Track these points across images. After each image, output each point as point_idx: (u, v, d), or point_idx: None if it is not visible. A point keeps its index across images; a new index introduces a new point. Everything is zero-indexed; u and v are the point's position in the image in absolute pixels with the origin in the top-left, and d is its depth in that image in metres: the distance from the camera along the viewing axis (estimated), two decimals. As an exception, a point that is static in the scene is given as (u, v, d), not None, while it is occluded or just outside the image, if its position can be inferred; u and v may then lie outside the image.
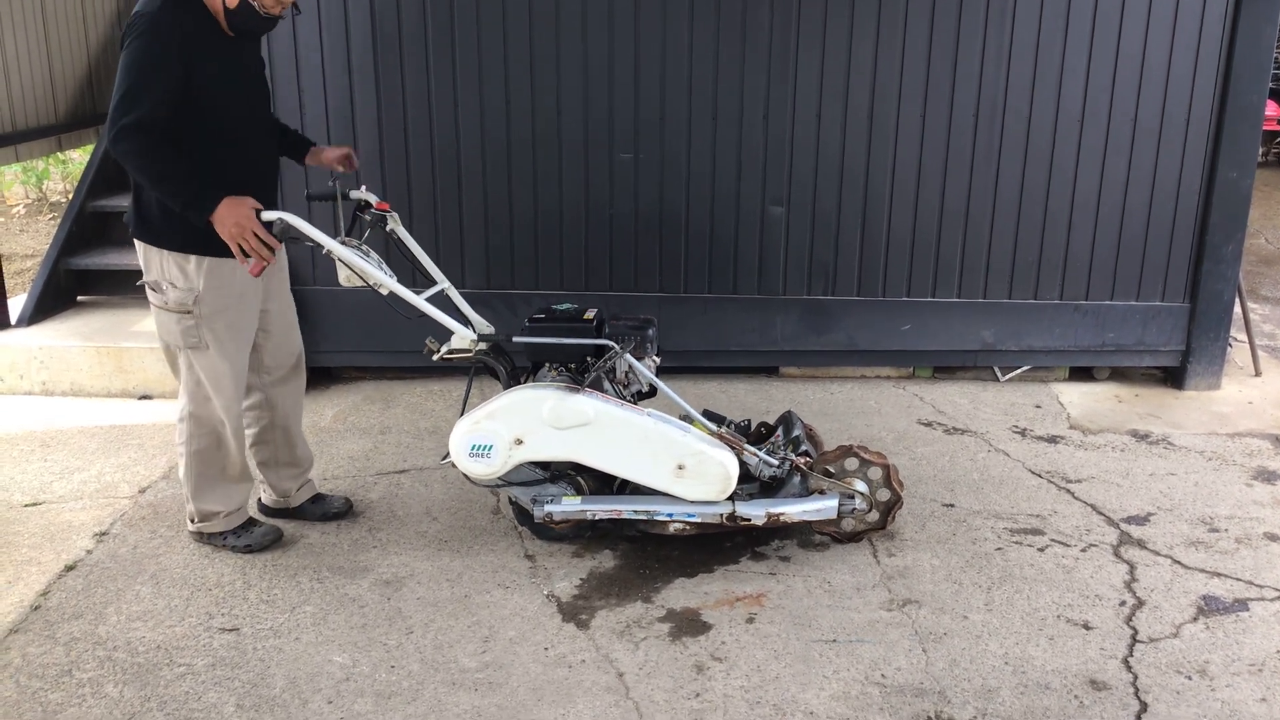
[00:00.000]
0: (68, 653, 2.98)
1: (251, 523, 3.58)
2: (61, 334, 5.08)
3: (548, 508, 3.42)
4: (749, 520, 3.39)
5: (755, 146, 4.75)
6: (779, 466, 3.46)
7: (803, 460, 3.49)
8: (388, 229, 3.60)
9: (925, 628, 3.14)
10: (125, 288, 5.51)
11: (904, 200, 4.82)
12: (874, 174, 4.79)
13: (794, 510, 3.41)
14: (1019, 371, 5.18)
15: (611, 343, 3.38)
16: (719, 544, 3.61)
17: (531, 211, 4.80)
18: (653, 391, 3.53)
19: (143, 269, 3.30)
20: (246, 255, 3.11)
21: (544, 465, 3.48)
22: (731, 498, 3.39)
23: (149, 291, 3.30)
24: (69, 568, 3.43)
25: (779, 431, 3.69)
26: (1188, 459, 4.30)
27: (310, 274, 4.83)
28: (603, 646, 3.03)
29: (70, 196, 6.18)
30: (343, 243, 3.30)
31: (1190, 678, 2.92)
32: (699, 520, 3.42)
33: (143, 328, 5.13)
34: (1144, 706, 2.80)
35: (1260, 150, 11.96)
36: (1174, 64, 4.68)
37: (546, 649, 3.02)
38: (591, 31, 4.59)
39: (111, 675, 2.88)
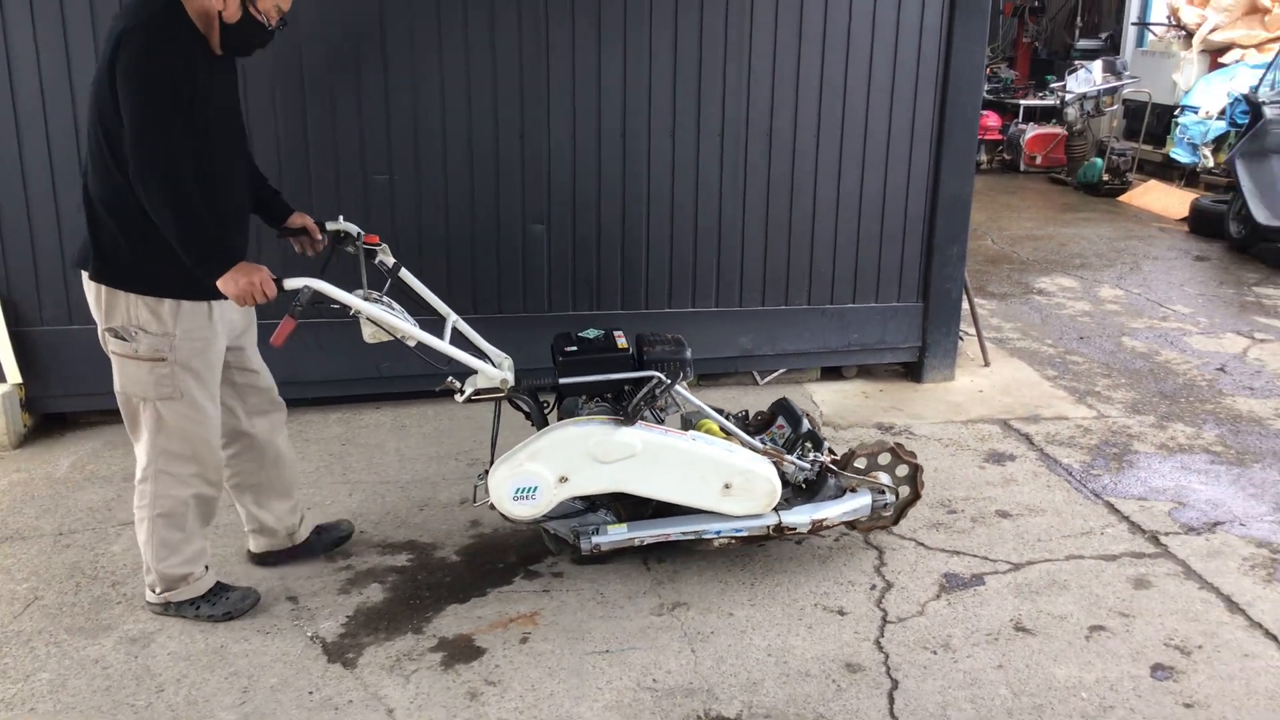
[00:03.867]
0: None
1: (222, 588, 3.27)
2: None
3: (595, 539, 3.33)
4: (795, 529, 3.41)
5: (512, 166, 4.76)
6: (811, 469, 3.48)
7: (829, 459, 3.51)
8: (376, 260, 3.35)
9: (693, 628, 3.23)
10: None
11: (660, 215, 4.96)
12: (630, 190, 4.90)
13: (835, 513, 3.45)
14: (776, 374, 5.42)
15: (656, 374, 3.26)
16: (493, 565, 3.59)
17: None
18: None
19: (100, 315, 2.97)
20: (209, 291, 2.93)
21: (583, 496, 3.37)
22: (775, 508, 3.39)
23: (111, 340, 2.97)
24: None
25: (780, 421, 3.67)
26: (928, 446, 4.62)
27: (37, 315, 4.47)
28: (371, 684, 2.95)
29: None
30: (365, 297, 3.07)
31: (935, 652, 3.13)
32: (746, 534, 3.40)
33: None
34: (895, 684, 2.99)
35: (985, 159, 13.05)
36: (897, 80, 5.04)
37: (311, 693, 2.91)
38: (336, 56, 4.47)
39: None
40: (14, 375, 4.45)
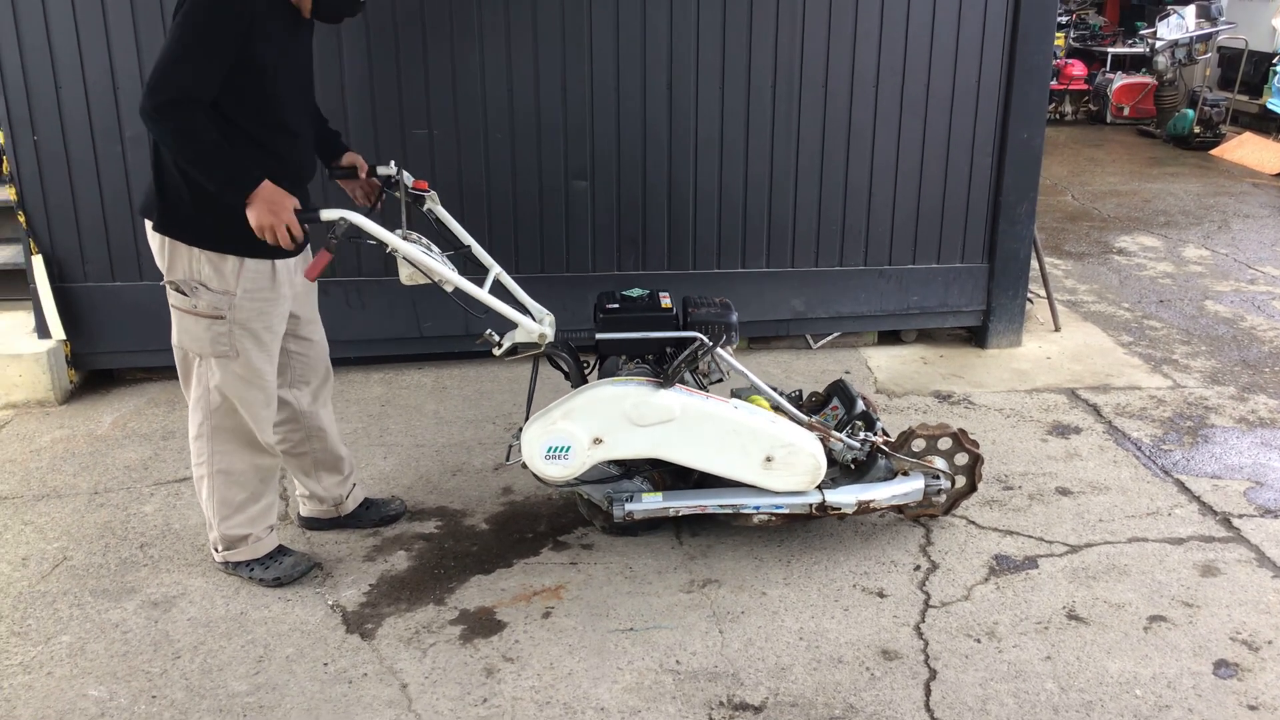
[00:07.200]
0: None
1: (281, 551, 3.26)
2: None
3: (629, 506, 3.23)
4: (839, 509, 3.27)
5: (554, 119, 4.59)
6: (860, 449, 3.34)
7: (880, 439, 3.36)
8: (424, 208, 3.27)
9: (723, 607, 3.09)
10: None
11: (708, 171, 4.75)
12: (676, 146, 4.70)
13: (883, 495, 3.30)
14: (830, 338, 5.20)
15: (698, 334, 3.14)
16: (522, 535, 3.49)
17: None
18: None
19: (164, 267, 2.93)
20: (273, 249, 2.88)
21: (618, 461, 3.28)
22: (820, 486, 3.27)
23: (172, 293, 2.94)
24: None
25: (835, 402, 3.54)
26: (987, 417, 4.39)
27: (80, 271, 4.46)
28: (387, 657, 2.87)
29: None
30: (404, 237, 2.97)
31: (979, 640, 2.95)
32: (786, 511, 3.27)
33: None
34: (933, 674, 2.81)
35: (1070, 109, 12.49)
36: (963, 27, 4.73)
37: (326, 665, 2.84)
38: (371, 8, 4.33)
39: None
40: (58, 332, 4.46)
